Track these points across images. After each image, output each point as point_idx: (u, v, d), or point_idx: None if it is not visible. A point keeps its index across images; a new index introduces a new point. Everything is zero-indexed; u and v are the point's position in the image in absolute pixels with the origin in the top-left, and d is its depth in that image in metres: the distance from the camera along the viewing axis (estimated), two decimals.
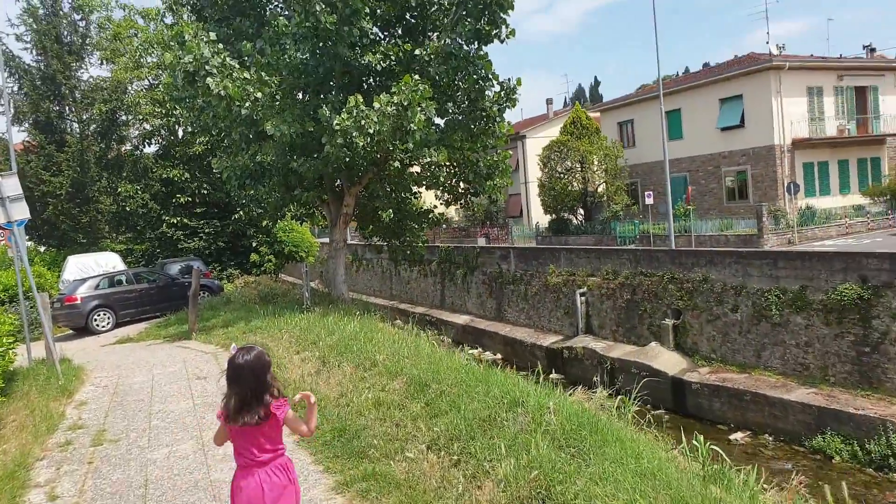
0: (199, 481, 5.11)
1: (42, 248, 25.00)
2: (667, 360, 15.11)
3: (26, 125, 23.85)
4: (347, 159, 13.00)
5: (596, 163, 30.50)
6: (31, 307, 13.91)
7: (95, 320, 17.05)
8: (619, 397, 6.61)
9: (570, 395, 6.60)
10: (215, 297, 18.89)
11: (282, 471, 3.18)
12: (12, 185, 8.81)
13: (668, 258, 16.31)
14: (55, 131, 24.23)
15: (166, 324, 16.26)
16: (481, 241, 32.46)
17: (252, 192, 15.35)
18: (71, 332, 17.57)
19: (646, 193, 26.68)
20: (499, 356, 21.31)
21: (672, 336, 15.62)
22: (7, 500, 4.92)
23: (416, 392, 6.38)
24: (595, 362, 16.96)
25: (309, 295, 14.80)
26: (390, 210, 15.32)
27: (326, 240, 37.28)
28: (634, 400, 6.37)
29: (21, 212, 8.96)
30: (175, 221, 23.83)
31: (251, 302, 16.71)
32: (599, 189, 31.20)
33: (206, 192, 24.25)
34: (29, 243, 24.74)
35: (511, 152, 15.28)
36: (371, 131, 11.81)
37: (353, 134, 11.80)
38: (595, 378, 16.09)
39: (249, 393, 3.07)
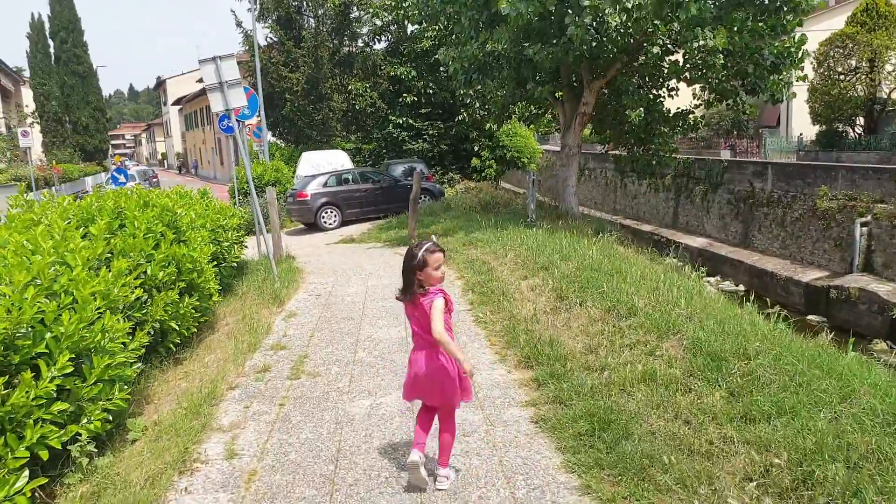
0: (402, 459, 3.69)
1: (282, 144, 26.25)
2: None
3: (269, 21, 24.51)
4: (595, 44, 10.62)
5: (894, 61, 23.95)
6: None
7: (323, 217, 17.13)
8: None
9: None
10: (436, 202, 18.04)
11: (445, 357, 3.40)
12: (230, 69, 8.00)
13: None
14: (294, 27, 24.63)
15: (387, 226, 15.73)
16: (725, 154, 27.92)
17: (480, 87, 13.68)
18: (302, 226, 17.95)
19: None
20: (740, 287, 18.08)
21: None
22: (181, 447, 3.95)
23: (706, 368, 4.33)
24: (875, 308, 13.23)
25: (534, 207, 13.06)
26: (641, 110, 12.67)
27: (547, 146, 35.26)
28: None
29: (237, 98, 8.18)
30: (401, 122, 23.36)
31: (472, 210, 15.47)
32: (894, 95, 24.69)
33: (431, 91, 23.29)
34: (272, 139, 26.12)
35: (807, 35, 11.60)
36: (629, 5, 9.28)
37: (607, 10, 9.37)
38: (872, 327, 12.58)
39: (404, 279, 3.45)
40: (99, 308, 4.49)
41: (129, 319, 5.62)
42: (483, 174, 23.72)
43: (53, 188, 24.44)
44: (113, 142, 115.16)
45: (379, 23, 23.72)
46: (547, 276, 7.77)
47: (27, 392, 3.64)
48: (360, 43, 25.51)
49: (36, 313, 3.88)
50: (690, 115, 13.92)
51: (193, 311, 6.48)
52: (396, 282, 9.27)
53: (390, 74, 23.21)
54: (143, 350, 5.80)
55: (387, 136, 23.94)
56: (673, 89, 13.54)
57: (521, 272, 8.30)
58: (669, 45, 11.75)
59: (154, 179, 35.23)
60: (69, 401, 4.01)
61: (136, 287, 5.71)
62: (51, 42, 40.95)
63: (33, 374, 3.84)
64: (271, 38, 25.36)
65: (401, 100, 23.34)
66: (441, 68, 24.00)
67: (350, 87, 23.45)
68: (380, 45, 25.05)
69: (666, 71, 12.71)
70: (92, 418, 4.08)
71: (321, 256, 12.05)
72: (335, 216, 17.26)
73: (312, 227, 17.24)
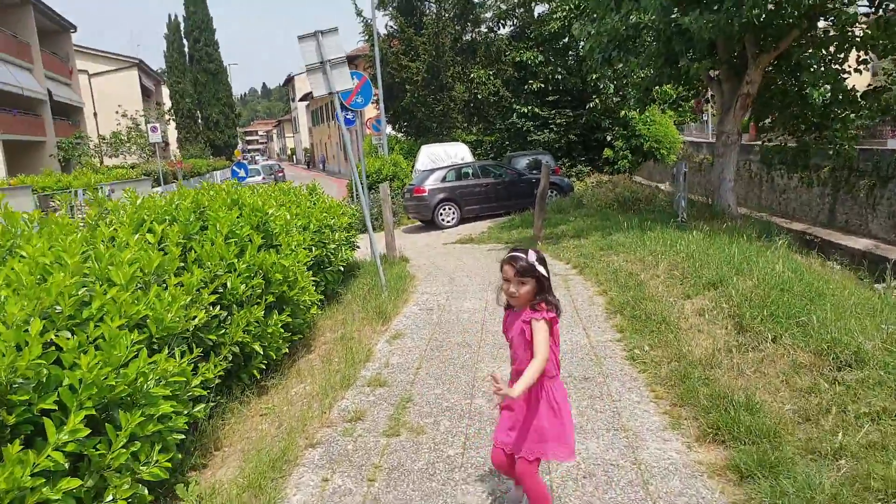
0: None
1: (401, 137, 25.54)
2: None
3: (390, 9, 23.78)
4: (772, 7, 8.61)
5: None
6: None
7: (441, 214, 16.00)
8: None
9: None
10: (564, 198, 16.38)
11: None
12: (333, 46, 6.92)
13: None
14: (414, 14, 23.77)
15: (510, 224, 14.32)
16: (893, 144, 23.85)
17: (620, 65, 11.90)
18: (420, 223, 16.96)
19: None
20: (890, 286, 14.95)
21: None
22: None
23: None
24: None
25: (685, 205, 11.13)
26: (826, 87, 10.34)
27: (689, 138, 32.21)
28: None
29: (343, 81, 7.09)
30: (525, 111, 21.83)
31: (607, 207, 13.71)
32: None
33: (559, 77, 21.56)
34: (391, 132, 25.49)
35: None
36: None
37: None
38: None
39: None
40: (138, 341, 3.46)
41: (199, 345, 4.64)
42: (616, 166, 21.71)
43: (178, 181, 25.29)
44: (247, 138, 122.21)
45: (504, 6, 22.31)
46: (717, 296, 6.04)
47: (21, 465, 2.62)
48: (483, 28, 24.21)
49: (43, 354, 2.86)
50: (885, 94, 11.31)
51: (282, 331, 5.44)
52: None
53: (515, 60, 21.75)
54: (219, 380, 4.83)
55: (510, 127, 22.50)
56: (863, 61, 11.02)
57: (681, 289, 6.60)
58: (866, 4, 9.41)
59: (280, 174, 36.01)
60: (87, 473, 2.98)
61: (209, 304, 4.72)
62: (185, 42, 43.25)
63: (39, 436, 2.85)
64: (391, 27, 24.66)
65: (526, 87, 21.81)
66: (571, 52, 22.24)
67: (472, 76, 22.24)
68: (504, 31, 23.65)
69: (859, 39, 10.29)
70: (117, 496, 3.03)
71: (436, 259, 10.87)
72: (454, 213, 16.08)
73: (430, 224, 16.17)
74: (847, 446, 3.17)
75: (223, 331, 4.92)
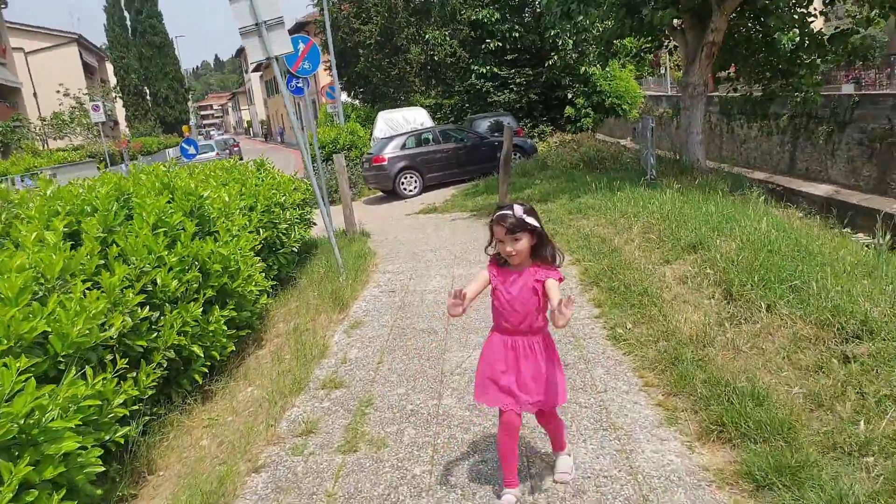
0: None
1: (358, 104, 24.58)
2: None
3: None
4: None
5: None
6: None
7: (402, 183, 15.35)
8: None
9: None
10: (528, 160, 15.85)
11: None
12: (269, 5, 6.18)
13: None
14: None
15: (474, 191, 13.77)
16: (848, 88, 23.83)
17: (580, 18, 11.31)
18: (381, 194, 16.29)
19: None
20: (883, 242, 14.95)
21: None
22: None
23: None
24: None
25: (654, 162, 10.70)
26: (792, 33, 9.90)
27: (647, 92, 31.83)
28: None
29: (282, 44, 6.37)
30: (484, 71, 21.10)
31: (573, 167, 13.24)
32: None
33: (517, 35, 20.82)
34: (346, 99, 24.52)
35: None
36: None
37: None
38: None
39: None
40: (33, 365, 2.86)
41: (126, 354, 4.04)
42: (578, 125, 21.23)
43: (126, 163, 23.93)
44: (201, 113, 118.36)
45: None
46: (699, 260, 5.63)
47: None
48: None
49: None
50: (853, 38, 10.93)
51: (226, 328, 4.85)
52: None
53: (471, 19, 20.93)
54: (153, 390, 4.24)
55: (469, 89, 21.77)
56: (830, 2, 10.61)
57: (659, 254, 6.18)
58: None
59: (235, 148, 34.62)
60: None
61: (135, 306, 4.11)
62: (126, 14, 40.96)
63: None
64: None
65: (483, 47, 21.05)
66: (527, 9, 21.51)
67: (427, 37, 21.35)
68: None
69: None
70: None
71: (399, 232, 10.29)
72: (415, 182, 15.44)
73: (391, 194, 15.52)
74: (873, 438, 2.77)
75: (155, 334, 4.32)
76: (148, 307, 4.25)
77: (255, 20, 6.22)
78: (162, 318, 4.39)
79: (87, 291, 3.75)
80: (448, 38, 21.38)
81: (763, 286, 4.68)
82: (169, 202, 5.29)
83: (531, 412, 2.76)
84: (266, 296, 5.98)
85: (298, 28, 34.56)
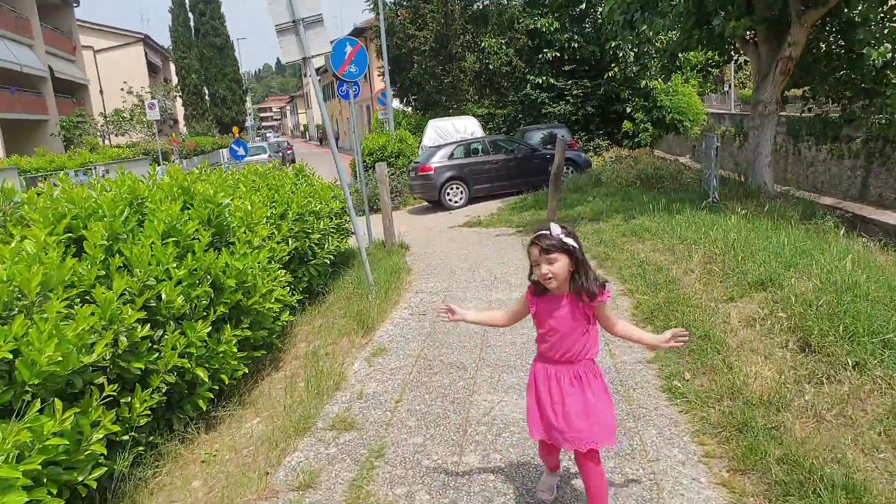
0: None
1: (409, 111, 24.29)
2: None
3: None
4: None
5: None
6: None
7: (448, 194, 14.89)
8: None
9: None
10: (581, 175, 15.18)
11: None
12: (307, 2, 5.80)
13: None
14: None
15: (522, 205, 13.19)
16: None
17: (644, 27, 10.64)
18: (427, 204, 15.88)
19: None
20: None
21: None
22: None
23: None
24: None
25: (717, 183, 9.94)
26: (884, 48, 9.01)
27: (709, 109, 30.61)
28: None
29: (320, 43, 5.99)
30: (540, 81, 20.48)
31: (628, 185, 12.53)
32: None
33: (576, 45, 20.14)
34: (399, 106, 24.27)
35: None
36: None
37: None
38: None
39: None
40: None
41: (120, 378, 3.67)
42: (636, 140, 20.37)
43: (173, 161, 24.18)
44: (261, 115, 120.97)
45: None
46: (769, 300, 4.95)
47: None
48: None
49: None
50: None
51: (236, 349, 4.44)
52: None
53: (529, 28, 20.36)
54: (147, 419, 3.86)
55: (524, 99, 21.18)
56: None
57: (722, 289, 5.50)
58: None
59: (289, 151, 34.91)
60: None
61: (135, 322, 3.74)
62: (190, 15, 41.91)
63: None
64: None
65: (541, 56, 20.44)
66: (588, 19, 20.85)
67: (483, 45, 20.87)
68: None
69: None
70: None
71: (439, 246, 9.81)
72: (462, 193, 14.95)
73: (437, 204, 15.07)
74: None
75: (156, 355, 3.94)
76: (149, 325, 3.88)
77: (293, 17, 5.85)
78: (165, 337, 4.01)
79: (79, 308, 3.40)
80: (504, 47, 20.87)
81: (849, 338, 4.00)
82: (186, 209, 4.95)
83: (568, 449, 2.57)
84: (289, 312, 5.58)
85: (357, 34, 34.65)
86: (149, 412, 3.79)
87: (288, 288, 5.74)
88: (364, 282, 6.72)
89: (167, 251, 4.16)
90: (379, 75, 21.86)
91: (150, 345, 3.93)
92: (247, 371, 4.66)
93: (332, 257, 7.46)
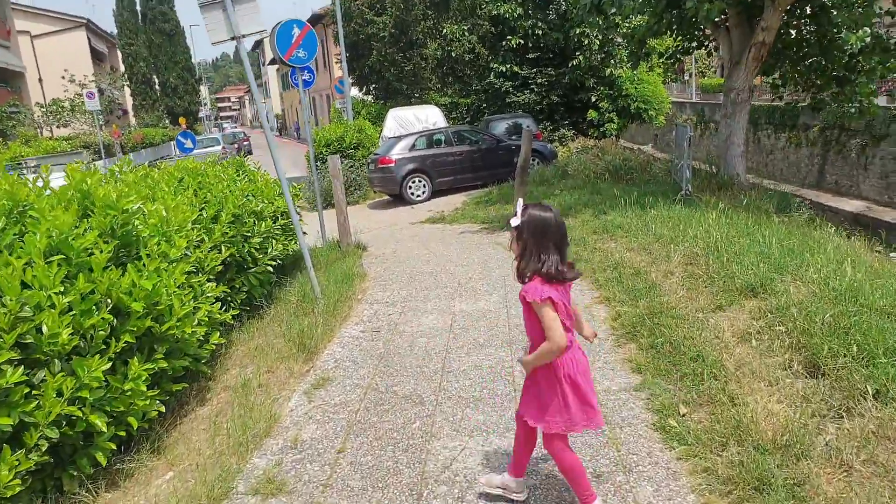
0: None
1: (369, 100, 23.40)
2: None
3: None
4: None
5: None
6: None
7: (410, 188, 14.15)
8: None
9: None
10: (548, 167, 14.59)
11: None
12: None
13: None
14: None
15: (486, 199, 12.54)
16: (880, 101, 22.38)
17: (612, 11, 10.04)
18: (388, 197, 15.12)
19: None
20: None
21: None
22: None
23: None
24: None
25: (690, 175, 9.42)
26: (862, 32, 8.56)
27: (672, 98, 30.37)
28: None
29: (251, 21, 5.21)
30: (504, 69, 19.81)
31: (596, 177, 11.98)
32: None
33: (540, 32, 19.50)
34: (357, 94, 23.38)
35: None
36: None
37: None
38: None
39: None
40: None
41: None
42: (602, 129, 19.90)
43: (118, 155, 22.82)
44: (219, 105, 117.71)
45: None
46: (763, 309, 4.39)
47: None
48: None
49: None
50: None
51: (144, 388, 3.68)
52: (497, 301, 5.89)
53: (492, 14, 19.63)
54: (21, 488, 3.09)
55: (488, 88, 20.50)
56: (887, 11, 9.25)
57: (708, 294, 4.93)
58: None
59: (245, 143, 33.55)
60: None
61: (1, 365, 2.97)
62: (137, 0, 39.99)
63: None
64: None
65: (504, 44, 19.75)
66: (552, 5, 20.23)
67: (445, 31, 20.10)
68: None
69: None
70: None
71: (399, 245, 9.10)
72: (424, 186, 14.23)
73: (398, 198, 14.33)
74: None
75: (34, 403, 3.17)
76: (21, 368, 3.11)
77: None
78: (45, 381, 3.24)
79: None
80: (467, 34, 20.13)
81: (864, 360, 3.44)
82: (87, 216, 4.16)
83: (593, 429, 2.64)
84: (218, 334, 4.81)
85: (314, 21, 33.50)
86: (23, 479, 3.03)
87: (219, 304, 4.98)
88: (309, 298, 5.97)
89: (51, 271, 3.39)
90: (337, 63, 20.89)
91: (26, 391, 3.17)
92: (163, 410, 3.91)
93: (276, 263, 6.70)
